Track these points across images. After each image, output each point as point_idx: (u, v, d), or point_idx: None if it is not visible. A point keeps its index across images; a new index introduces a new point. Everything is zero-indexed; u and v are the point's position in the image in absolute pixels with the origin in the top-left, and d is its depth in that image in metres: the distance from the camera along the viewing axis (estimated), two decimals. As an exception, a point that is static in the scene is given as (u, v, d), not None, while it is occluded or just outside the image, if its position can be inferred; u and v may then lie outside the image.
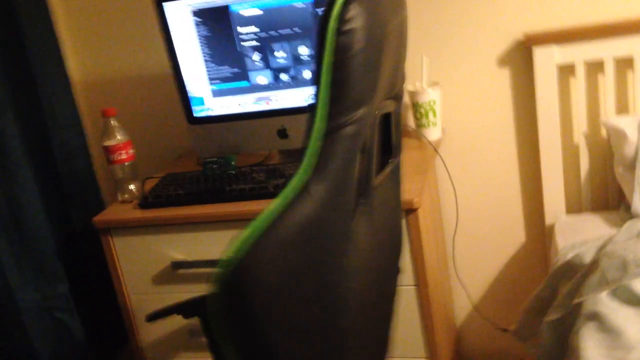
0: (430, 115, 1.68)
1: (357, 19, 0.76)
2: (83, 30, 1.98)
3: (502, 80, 1.78)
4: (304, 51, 1.55)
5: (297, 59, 1.56)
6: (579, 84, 1.69)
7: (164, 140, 2.03)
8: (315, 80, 0.80)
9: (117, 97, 2.02)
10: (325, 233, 0.80)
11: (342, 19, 0.75)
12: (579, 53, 1.67)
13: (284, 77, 1.59)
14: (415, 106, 1.68)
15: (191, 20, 1.59)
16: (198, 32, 1.59)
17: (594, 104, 1.73)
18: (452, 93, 1.81)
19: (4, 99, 1.57)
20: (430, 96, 1.66)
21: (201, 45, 1.61)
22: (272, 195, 1.48)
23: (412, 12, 1.79)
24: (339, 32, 0.76)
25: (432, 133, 1.70)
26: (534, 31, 1.70)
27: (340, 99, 0.79)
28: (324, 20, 0.77)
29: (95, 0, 1.95)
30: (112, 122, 1.58)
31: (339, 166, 0.80)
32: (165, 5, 1.58)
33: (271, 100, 1.63)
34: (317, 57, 0.78)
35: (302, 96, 1.60)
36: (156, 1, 1.58)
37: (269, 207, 0.77)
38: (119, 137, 1.59)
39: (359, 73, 0.78)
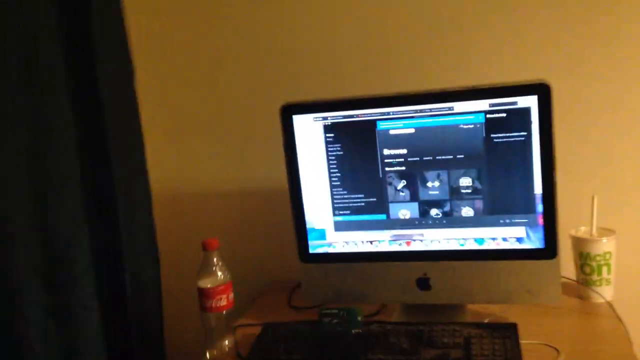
0: (604, 271, 1.34)
1: None
2: (173, 135, 1.65)
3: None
4: (466, 182, 1.23)
5: (455, 192, 1.24)
6: None
7: (248, 271, 1.64)
8: None
9: (193, 211, 1.67)
10: None
11: None
12: None
13: (434, 212, 1.26)
14: (584, 258, 1.34)
15: (322, 136, 1.27)
16: (329, 150, 1.28)
17: None
18: (628, 244, 1.44)
19: (74, 217, 1.22)
20: (606, 247, 1.33)
21: (331, 167, 1.28)
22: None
23: (583, 147, 1.52)
24: None
25: (605, 293, 1.35)
26: None
27: None
28: None
29: (191, 102, 1.65)
30: (214, 257, 1.22)
31: None
32: (295, 117, 1.27)
33: (414, 240, 1.28)
34: None
35: (454, 238, 1.26)
36: (283, 111, 1.28)
37: None
38: (221, 277, 1.22)
39: None
